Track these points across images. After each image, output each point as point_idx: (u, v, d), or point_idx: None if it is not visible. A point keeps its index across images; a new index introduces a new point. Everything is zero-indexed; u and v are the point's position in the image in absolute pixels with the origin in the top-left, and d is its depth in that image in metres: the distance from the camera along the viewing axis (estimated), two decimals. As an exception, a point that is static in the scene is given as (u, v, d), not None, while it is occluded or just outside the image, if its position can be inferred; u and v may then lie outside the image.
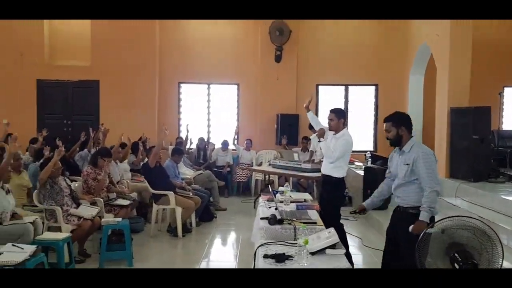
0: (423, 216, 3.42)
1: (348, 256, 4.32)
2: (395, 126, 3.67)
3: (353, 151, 5.34)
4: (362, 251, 6.15)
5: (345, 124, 5.17)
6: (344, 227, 5.15)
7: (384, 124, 3.77)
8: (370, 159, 8.94)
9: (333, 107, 5.23)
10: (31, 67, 10.15)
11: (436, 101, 7.87)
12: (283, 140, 10.02)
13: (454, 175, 7.26)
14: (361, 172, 8.23)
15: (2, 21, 9.85)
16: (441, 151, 7.53)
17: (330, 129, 5.10)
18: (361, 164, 9.13)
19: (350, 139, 5.04)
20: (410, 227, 3.43)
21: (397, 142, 3.70)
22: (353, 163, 9.35)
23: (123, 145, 8.09)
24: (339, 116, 5.04)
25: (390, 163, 3.91)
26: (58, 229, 5.24)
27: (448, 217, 2.97)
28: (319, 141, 5.10)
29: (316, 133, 5.13)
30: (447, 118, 7.34)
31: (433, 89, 8.05)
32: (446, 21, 7.26)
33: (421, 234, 2.98)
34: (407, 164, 3.58)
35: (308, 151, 9.18)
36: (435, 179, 3.52)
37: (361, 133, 10.49)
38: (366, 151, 9.59)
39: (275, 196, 4.92)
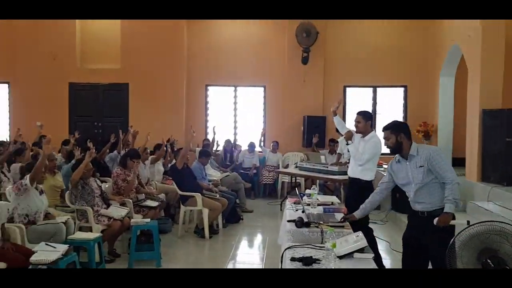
0: (449, 208, 3.42)
1: (378, 260, 4.28)
2: (394, 133, 3.69)
3: (381, 154, 5.28)
4: (391, 255, 6.07)
5: (372, 126, 5.11)
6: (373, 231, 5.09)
7: (383, 133, 3.80)
8: (389, 165, 8.78)
9: (360, 110, 5.20)
10: (63, 71, 10.42)
11: (468, 103, 7.69)
12: (314, 139, 9.93)
13: (486, 179, 7.08)
14: (389, 175, 8.10)
15: (35, 27, 10.21)
16: (472, 154, 7.37)
17: (357, 132, 5.07)
18: (386, 166, 8.99)
19: (379, 141, 4.97)
20: (435, 220, 3.41)
21: (397, 149, 3.72)
22: (381, 166, 9.23)
23: (158, 146, 8.22)
24: (366, 118, 5.01)
25: (393, 173, 3.89)
26: (89, 229, 5.35)
27: (480, 222, 2.91)
28: (347, 144, 5.06)
29: (344, 136, 5.09)
30: (478, 121, 7.17)
31: (464, 91, 7.87)
32: (478, 22, 7.10)
33: (452, 240, 2.93)
34: (421, 166, 3.57)
35: (335, 153, 9.12)
36: (453, 172, 3.53)
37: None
38: (395, 154, 9.45)
39: (302, 199, 4.91)
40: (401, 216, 7.27)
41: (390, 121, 3.87)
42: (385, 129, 3.79)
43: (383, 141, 4.24)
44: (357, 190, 5.06)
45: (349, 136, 5.03)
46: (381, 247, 6.35)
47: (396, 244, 6.34)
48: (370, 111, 10.40)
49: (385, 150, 5.19)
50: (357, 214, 4.13)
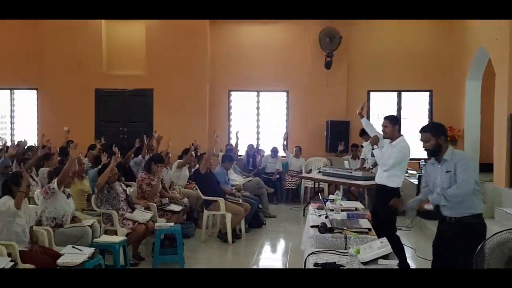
0: (433, 198, 3.52)
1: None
2: (434, 135, 3.63)
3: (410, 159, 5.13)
4: (416, 262, 5.96)
5: (400, 131, 4.97)
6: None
7: (421, 135, 3.72)
8: (424, 167, 8.65)
9: (386, 114, 5.11)
10: (89, 77, 10.61)
11: (495, 107, 7.53)
12: (340, 147, 9.89)
13: (515, 185, 6.92)
14: (415, 181, 8.00)
15: (62, 34, 10.47)
16: (500, 159, 7.20)
17: (384, 137, 4.96)
18: (414, 172, 8.88)
19: (407, 146, 4.86)
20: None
21: (436, 152, 3.65)
22: (406, 172, 9.10)
23: (186, 151, 8.30)
24: (393, 123, 4.87)
25: (428, 177, 3.82)
26: (114, 233, 5.43)
27: (508, 230, 2.84)
28: (372, 149, 4.96)
29: (370, 141, 5.00)
30: (506, 125, 7.01)
31: (492, 95, 7.71)
32: (505, 24, 6.96)
33: (480, 246, 2.86)
34: (448, 171, 3.52)
35: (358, 159, 9.04)
36: (470, 185, 3.45)
37: (415, 141, 10.17)
38: (420, 159, 9.30)
39: (325, 204, 4.89)
40: (427, 223, 7.15)
41: (445, 118, 3.81)
42: (424, 131, 3.71)
43: (414, 145, 4.14)
44: (383, 197, 4.92)
45: (375, 140, 4.94)
46: (407, 254, 6.24)
47: (422, 251, 6.23)
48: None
49: (413, 155, 5.14)
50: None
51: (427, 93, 10.49)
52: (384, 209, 4.89)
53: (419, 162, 8.87)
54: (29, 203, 5.21)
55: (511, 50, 6.92)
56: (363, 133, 8.25)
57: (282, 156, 10.43)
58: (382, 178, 4.96)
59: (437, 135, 3.61)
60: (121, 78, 10.70)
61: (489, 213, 6.77)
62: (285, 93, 10.99)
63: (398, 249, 4.64)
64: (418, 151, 4.74)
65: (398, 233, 5.23)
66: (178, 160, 8.03)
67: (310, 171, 9.90)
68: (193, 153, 8.56)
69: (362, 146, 9.11)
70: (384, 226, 4.69)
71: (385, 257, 3.18)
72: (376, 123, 7.19)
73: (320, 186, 9.25)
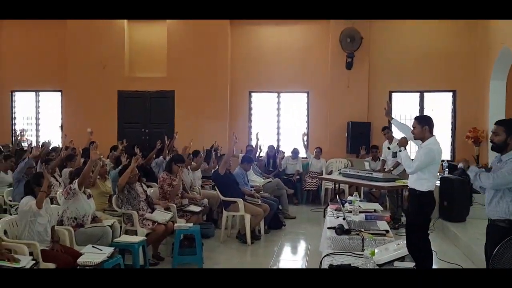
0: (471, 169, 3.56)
1: None
2: (506, 132, 3.49)
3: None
4: (437, 265, 5.85)
5: (431, 132, 4.69)
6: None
7: (494, 126, 3.60)
8: (447, 169, 8.53)
9: (408, 115, 4.96)
10: (112, 79, 10.82)
11: (520, 107, 7.38)
12: (362, 151, 9.82)
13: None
14: (437, 183, 7.87)
15: (86, 37, 10.71)
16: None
17: (414, 138, 4.75)
18: (438, 174, 8.73)
19: (436, 148, 4.59)
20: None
21: (499, 149, 3.54)
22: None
23: (195, 153, 8.34)
24: (422, 123, 4.63)
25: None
26: (134, 233, 5.50)
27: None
28: (400, 151, 4.79)
29: (398, 142, 4.84)
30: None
31: (517, 95, 7.55)
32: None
33: (497, 248, 2.80)
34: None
35: (378, 160, 8.95)
36: (502, 180, 3.39)
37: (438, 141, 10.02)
38: (443, 161, 9.16)
39: (343, 206, 4.86)
40: (449, 225, 7.03)
41: (471, 119, 3.69)
42: (498, 124, 3.60)
43: (444, 147, 3.97)
44: (412, 201, 4.75)
45: (403, 142, 4.75)
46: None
47: (443, 253, 6.13)
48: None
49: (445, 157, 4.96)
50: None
51: (450, 94, 10.31)
52: (413, 212, 4.75)
53: (442, 164, 8.72)
54: (53, 203, 5.34)
55: (536, 49, 6.76)
56: (384, 128, 8.15)
57: (303, 157, 10.40)
58: (411, 181, 4.74)
59: (510, 134, 3.48)
60: (143, 80, 10.86)
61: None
62: (305, 94, 10.95)
63: (426, 253, 4.53)
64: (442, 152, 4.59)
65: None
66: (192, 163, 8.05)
67: (330, 173, 9.84)
68: (213, 154, 8.61)
69: (376, 147, 9.02)
70: (414, 229, 4.57)
71: (401, 259, 3.14)
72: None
73: (341, 187, 9.18)
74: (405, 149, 4.71)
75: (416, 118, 4.78)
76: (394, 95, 10.48)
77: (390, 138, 7.87)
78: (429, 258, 4.65)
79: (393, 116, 5.53)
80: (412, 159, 4.60)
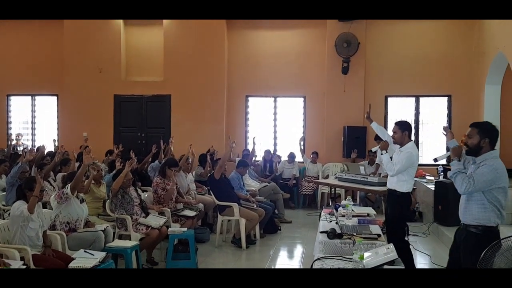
0: (454, 163, 3.45)
1: None
2: (479, 135, 3.44)
3: (425, 165, 5.11)
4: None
5: (410, 137, 4.94)
6: (413, 244, 4.94)
7: (469, 129, 3.54)
8: (442, 173, 8.54)
9: (399, 120, 5.09)
10: (109, 83, 10.81)
11: (515, 112, 7.39)
12: (353, 154, 9.84)
13: (535, 191, 6.72)
14: (432, 187, 7.88)
15: (83, 41, 10.71)
16: (520, 165, 7.03)
17: (394, 142, 4.95)
18: (432, 178, 8.75)
19: (415, 153, 4.82)
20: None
21: (473, 152, 3.48)
22: (424, 177, 8.98)
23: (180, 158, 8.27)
24: (403, 129, 4.86)
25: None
26: (128, 237, 5.49)
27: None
28: (381, 154, 4.94)
29: (379, 146, 4.97)
30: (526, 130, 6.86)
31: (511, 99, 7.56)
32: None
33: (483, 253, 2.80)
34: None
35: (375, 164, 8.96)
36: (479, 184, 3.31)
37: (433, 146, 10.05)
38: (438, 165, 9.18)
39: (336, 210, 4.86)
40: (443, 229, 7.03)
41: (467, 123, 3.64)
42: (473, 126, 3.54)
43: (431, 151, 4.00)
44: (392, 202, 4.95)
45: (384, 146, 4.91)
46: (423, 260, 6.18)
47: (438, 257, 6.14)
48: (413, 121, 10.26)
49: (428, 161, 5.03)
50: None
51: (446, 98, 10.32)
52: (393, 212, 4.89)
53: (437, 168, 8.73)
54: (46, 208, 5.33)
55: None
56: (377, 137, 8.18)
57: (299, 162, 10.41)
58: (392, 182, 4.95)
59: (483, 136, 3.44)
60: (139, 84, 10.86)
61: (509, 220, 6.63)
62: (302, 99, 10.96)
63: (406, 254, 4.58)
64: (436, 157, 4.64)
65: (414, 239, 5.17)
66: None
67: (327, 177, 9.84)
68: (209, 158, 8.60)
69: (371, 151, 9.03)
70: (392, 230, 4.66)
71: (391, 263, 3.14)
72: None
73: (337, 191, 9.18)
74: (387, 152, 4.90)
75: (397, 123, 4.97)
76: (390, 99, 10.50)
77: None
78: (410, 259, 4.74)
79: (388, 120, 5.62)
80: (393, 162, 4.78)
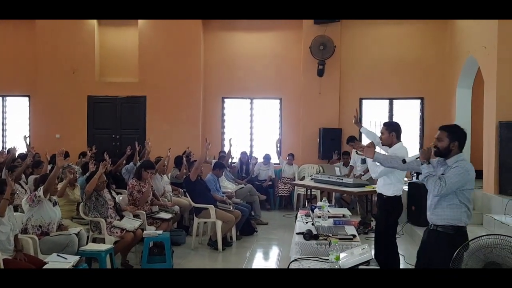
0: (424, 167, 3.41)
1: None
2: (449, 138, 3.45)
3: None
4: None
5: (399, 138, 4.81)
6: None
7: (438, 132, 3.55)
8: (415, 174, 8.69)
9: (378, 121, 5.05)
10: (82, 84, 10.63)
11: (484, 115, 7.56)
12: (334, 156, 9.92)
13: (503, 191, 6.92)
14: (405, 187, 8.01)
15: (56, 41, 10.50)
16: (489, 166, 7.22)
17: (382, 144, 4.85)
18: (406, 179, 8.88)
19: (403, 153, 4.61)
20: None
21: (443, 155, 3.49)
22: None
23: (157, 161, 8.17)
24: (390, 129, 4.75)
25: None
26: (102, 241, 5.41)
27: (484, 235, 2.85)
28: (359, 155, 4.91)
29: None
30: (495, 133, 7.04)
31: (482, 103, 7.75)
32: (493, 33, 7.02)
33: (455, 253, 2.87)
34: (442, 175, 3.40)
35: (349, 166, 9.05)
36: (454, 185, 3.33)
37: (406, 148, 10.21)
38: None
39: (312, 211, 4.90)
40: (417, 229, 7.15)
41: (439, 125, 3.61)
42: (442, 129, 3.53)
43: (412, 154, 3.95)
44: (379, 205, 4.89)
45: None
46: (396, 260, 6.26)
47: (412, 257, 6.19)
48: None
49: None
50: None
51: (419, 101, 10.54)
52: (380, 216, 4.88)
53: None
54: (17, 211, 5.21)
55: (499, 58, 6.97)
56: (350, 140, 8.26)
57: (275, 163, 10.45)
58: (379, 186, 4.87)
59: (453, 139, 3.44)
60: (114, 85, 10.72)
61: (478, 220, 6.80)
62: (278, 101, 11.02)
63: (393, 257, 4.61)
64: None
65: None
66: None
67: (303, 178, 9.91)
68: (184, 160, 8.54)
69: (348, 153, 9.11)
70: (382, 233, 4.66)
71: (366, 263, 3.18)
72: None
73: (313, 193, 9.24)
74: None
75: (384, 124, 4.87)
76: (364, 102, 10.65)
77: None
78: (396, 263, 4.75)
79: (362, 123, 5.62)
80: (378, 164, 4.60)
